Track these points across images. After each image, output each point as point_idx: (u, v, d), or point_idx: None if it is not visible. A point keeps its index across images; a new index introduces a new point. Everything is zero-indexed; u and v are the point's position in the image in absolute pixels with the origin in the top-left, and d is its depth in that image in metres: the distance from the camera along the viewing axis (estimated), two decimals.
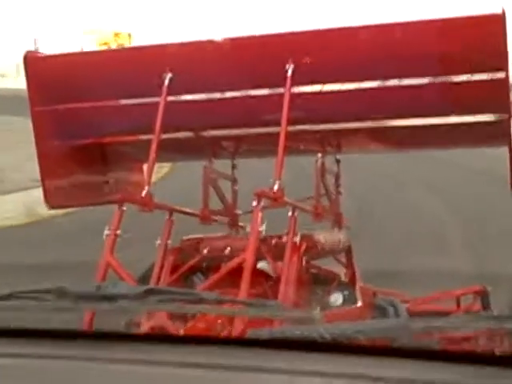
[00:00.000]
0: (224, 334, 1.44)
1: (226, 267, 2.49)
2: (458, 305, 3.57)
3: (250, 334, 1.27)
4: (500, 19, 2.44)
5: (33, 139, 2.95)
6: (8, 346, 1.17)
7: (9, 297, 1.28)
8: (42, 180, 2.97)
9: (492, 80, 2.53)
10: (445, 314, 3.40)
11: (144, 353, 1.16)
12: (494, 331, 1.20)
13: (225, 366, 1.13)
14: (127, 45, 37.44)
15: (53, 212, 7.21)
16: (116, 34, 42.14)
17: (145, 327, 1.61)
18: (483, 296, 3.51)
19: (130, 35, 41.34)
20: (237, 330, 1.44)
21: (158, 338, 1.28)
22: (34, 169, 3.01)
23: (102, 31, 40.97)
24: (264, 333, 1.23)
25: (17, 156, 12.41)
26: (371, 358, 1.14)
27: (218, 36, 2.85)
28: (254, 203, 2.51)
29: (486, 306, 3.52)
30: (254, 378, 1.11)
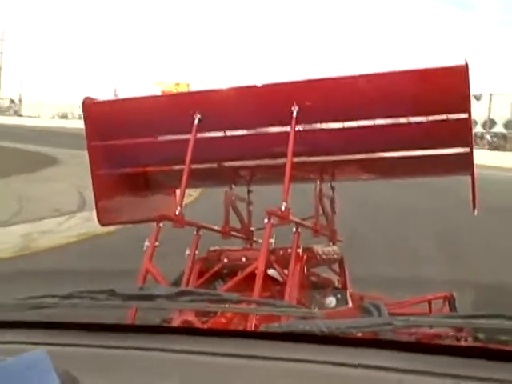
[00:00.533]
0: (241, 328, 1.44)
1: (242, 273, 2.49)
2: (430, 308, 3.54)
3: (263, 327, 1.27)
4: (464, 70, 2.46)
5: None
6: (67, 337, 1.18)
7: (69, 296, 1.29)
8: (96, 202, 3.00)
9: (458, 120, 2.55)
10: (419, 315, 3.38)
11: (175, 343, 1.17)
12: (461, 328, 1.19)
13: (241, 355, 1.13)
14: None
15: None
16: (177, 84, 42.95)
17: (176, 322, 1.61)
18: (450, 301, 3.48)
19: (188, 84, 42.20)
20: (251, 324, 1.44)
21: (187, 331, 1.28)
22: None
23: (166, 82, 42.87)
24: (274, 327, 1.24)
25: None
26: (361, 349, 1.15)
27: (242, 83, 2.91)
28: (266, 220, 2.52)
29: (452, 309, 3.49)
30: (265, 365, 1.12)
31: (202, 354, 1.14)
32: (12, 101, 53.98)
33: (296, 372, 1.10)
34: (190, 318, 1.77)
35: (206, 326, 1.74)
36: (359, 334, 1.20)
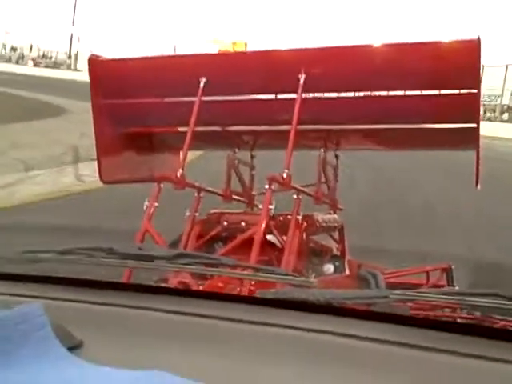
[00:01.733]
0: (236, 292, 1.45)
1: (240, 237, 2.50)
2: (428, 279, 3.56)
3: (258, 293, 1.27)
4: (476, 45, 2.42)
5: None
6: (64, 293, 1.19)
7: (66, 252, 1.29)
8: (98, 159, 2.99)
9: (466, 94, 2.52)
10: (415, 285, 3.41)
11: (170, 304, 1.17)
12: (457, 304, 1.19)
13: (236, 319, 1.14)
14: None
15: None
16: (234, 43, 41.96)
17: (172, 283, 1.62)
18: (448, 272, 3.50)
19: (246, 44, 41.18)
20: (247, 290, 1.45)
21: (183, 292, 1.29)
22: None
23: (223, 41, 41.39)
24: (270, 293, 1.24)
25: None
26: (355, 320, 1.15)
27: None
28: (266, 186, 2.52)
29: (450, 281, 3.52)
30: (259, 330, 1.12)
31: (197, 316, 1.15)
32: (68, 55, 53.69)
33: (289, 339, 1.11)
34: (187, 279, 1.79)
35: (201, 289, 1.75)
36: (355, 305, 1.20)
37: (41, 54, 53.88)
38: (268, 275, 1.29)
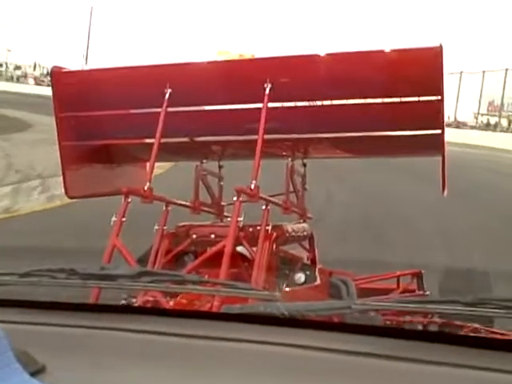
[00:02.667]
0: (203, 308, 1.45)
1: (209, 251, 2.49)
2: (398, 284, 3.60)
3: (225, 309, 1.27)
4: (438, 52, 2.47)
5: None
6: (26, 316, 1.17)
7: (27, 274, 1.28)
8: (63, 174, 2.95)
9: (430, 101, 2.56)
10: (386, 291, 3.44)
11: (134, 323, 1.17)
12: (424, 312, 1.21)
13: (203, 336, 1.14)
14: None
15: None
16: (241, 55, 41.81)
17: (139, 302, 1.61)
18: (418, 277, 3.55)
19: (253, 56, 41.08)
20: (214, 306, 1.45)
21: (149, 311, 1.29)
22: None
23: (230, 52, 41.26)
24: (235, 309, 1.24)
25: None
26: (320, 332, 1.16)
27: (218, 58, 2.87)
28: (235, 198, 2.52)
29: (420, 286, 3.56)
30: (226, 346, 1.13)
31: (164, 335, 1.15)
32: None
33: (256, 353, 1.11)
34: (155, 297, 1.77)
35: (168, 307, 1.74)
36: (318, 317, 1.21)
37: (44, 72, 53.26)
38: (232, 290, 1.30)
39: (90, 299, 1.35)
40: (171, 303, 1.80)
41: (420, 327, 1.20)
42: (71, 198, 3.02)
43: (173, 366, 1.06)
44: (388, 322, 1.29)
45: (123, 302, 1.55)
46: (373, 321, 1.22)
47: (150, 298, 1.54)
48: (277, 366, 1.08)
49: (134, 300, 1.76)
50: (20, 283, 1.27)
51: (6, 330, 0.94)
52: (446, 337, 1.12)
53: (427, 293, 3.61)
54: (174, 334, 1.14)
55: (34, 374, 0.94)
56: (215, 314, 1.27)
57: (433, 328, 1.18)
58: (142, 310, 1.28)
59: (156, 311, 1.28)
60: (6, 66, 55.41)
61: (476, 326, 1.16)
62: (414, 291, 3.66)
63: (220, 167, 3.13)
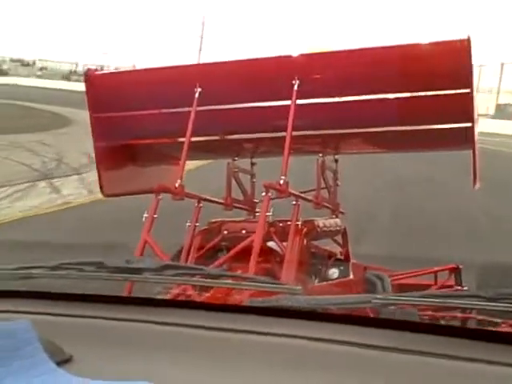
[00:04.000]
0: (228, 302, 1.47)
1: (238, 246, 2.52)
2: (436, 280, 3.56)
3: (247, 302, 1.29)
4: (466, 45, 2.43)
5: None
6: (55, 308, 1.22)
7: (57, 267, 1.32)
8: (98, 173, 3.03)
9: (460, 94, 2.53)
10: (423, 287, 3.41)
11: (159, 315, 1.19)
12: (444, 307, 1.20)
13: (225, 329, 1.16)
14: None
15: None
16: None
17: (166, 295, 1.63)
18: (456, 273, 3.50)
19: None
20: (238, 299, 1.46)
21: (171, 303, 1.31)
22: None
23: (321, 48, 42.07)
24: (258, 302, 1.26)
25: None
26: (342, 325, 1.17)
27: (243, 56, 2.89)
28: (263, 194, 2.54)
29: (458, 281, 3.51)
30: (248, 339, 1.14)
31: (189, 327, 1.17)
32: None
33: (277, 346, 1.13)
34: (184, 291, 1.80)
35: (194, 300, 1.77)
36: (340, 310, 1.22)
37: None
38: (254, 284, 1.32)
39: (120, 292, 1.38)
40: (200, 297, 1.84)
41: (443, 322, 1.19)
42: (107, 196, 3.09)
43: (197, 358, 1.09)
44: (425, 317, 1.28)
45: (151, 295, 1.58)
46: (394, 314, 1.22)
47: (179, 292, 1.57)
48: (298, 358, 1.09)
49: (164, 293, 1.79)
50: (49, 276, 1.31)
51: (34, 322, 0.98)
52: (467, 332, 1.11)
53: (465, 288, 3.56)
54: (199, 327, 1.16)
55: (60, 364, 0.97)
56: (238, 307, 1.29)
57: (456, 323, 1.18)
58: (168, 303, 1.30)
59: (182, 304, 1.31)
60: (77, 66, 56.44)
61: (500, 320, 1.15)
62: (451, 286, 3.61)
63: (252, 164, 3.16)
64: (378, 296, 1.21)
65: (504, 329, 1.16)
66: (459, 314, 1.21)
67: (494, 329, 1.15)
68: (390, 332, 1.14)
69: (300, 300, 1.22)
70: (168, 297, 1.42)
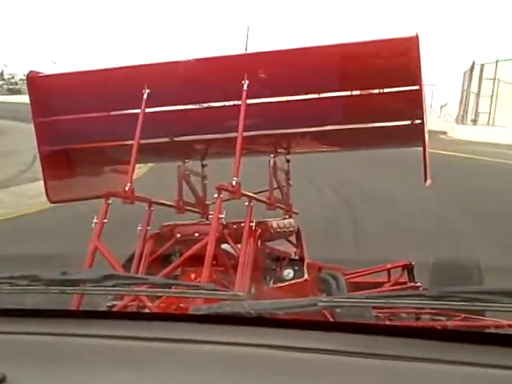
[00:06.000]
0: (170, 310, 1.43)
1: (191, 249, 2.48)
2: (389, 277, 3.59)
3: (192, 310, 1.25)
4: (414, 41, 2.44)
5: None
6: None
7: None
8: (44, 179, 2.93)
9: (410, 91, 2.54)
10: (377, 284, 3.43)
11: (102, 328, 1.15)
12: (388, 307, 1.20)
13: (170, 339, 1.12)
14: None
15: None
16: None
17: (105, 306, 1.58)
18: (409, 269, 3.54)
19: None
20: (181, 307, 1.43)
21: (116, 315, 1.27)
22: None
23: None
24: (202, 309, 1.23)
25: None
26: (287, 330, 1.14)
27: (188, 56, 2.84)
28: (215, 195, 2.51)
29: (411, 278, 3.55)
30: (193, 348, 1.11)
31: (130, 339, 1.13)
32: None
33: (223, 354, 1.10)
34: (120, 301, 1.75)
35: (134, 310, 1.72)
36: (286, 315, 1.20)
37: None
38: (197, 292, 1.28)
39: (60, 306, 1.32)
40: (139, 305, 1.79)
41: (388, 321, 1.18)
42: (53, 202, 3.00)
43: (139, 371, 1.05)
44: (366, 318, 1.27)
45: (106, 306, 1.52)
46: (340, 317, 1.21)
47: (117, 303, 1.52)
48: (245, 366, 1.06)
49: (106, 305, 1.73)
50: None
51: None
52: (408, 331, 1.10)
53: (418, 284, 3.60)
54: (141, 338, 1.12)
55: None
56: (181, 315, 1.25)
57: (397, 322, 1.17)
58: (108, 315, 1.26)
59: (123, 315, 1.27)
60: None
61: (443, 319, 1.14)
62: (405, 283, 3.65)
63: (203, 166, 3.11)
64: (324, 299, 1.19)
65: (451, 326, 1.15)
66: (403, 314, 1.20)
67: (440, 327, 1.15)
68: (337, 335, 1.12)
69: (245, 306, 1.19)
70: (109, 308, 1.37)
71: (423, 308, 1.13)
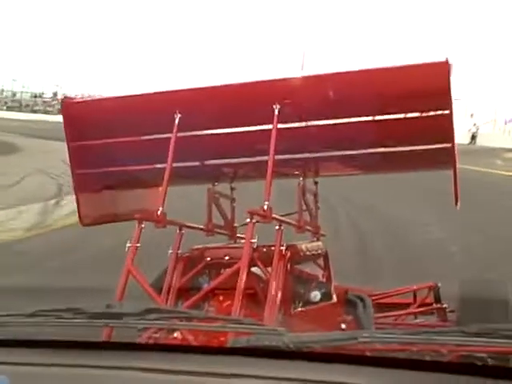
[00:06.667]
0: (210, 343, 1.44)
1: (224, 274, 2.50)
2: (415, 298, 3.58)
3: (231, 342, 1.27)
4: (445, 67, 2.46)
5: None
6: (33, 356, 1.18)
7: (34, 315, 1.29)
8: (77, 202, 2.99)
9: (440, 116, 2.55)
10: (404, 305, 3.42)
11: (142, 360, 1.17)
12: (430, 343, 1.19)
13: (208, 373, 1.14)
14: None
15: None
16: None
17: (145, 339, 1.60)
18: (435, 290, 3.52)
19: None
20: (220, 340, 1.44)
21: (155, 347, 1.29)
22: None
23: None
24: (242, 342, 1.24)
25: None
26: (326, 364, 1.15)
27: (221, 81, 2.88)
28: (248, 220, 2.53)
29: (437, 299, 3.54)
30: (231, 382, 1.12)
31: (168, 372, 1.15)
32: None
33: None
34: (159, 334, 1.77)
35: (174, 342, 1.75)
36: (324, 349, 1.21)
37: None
38: (237, 326, 1.30)
39: (99, 338, 1.35)
40: (178, 338, 1.81)
41: (428, 358, 1.18)
42: (85, 225, 3.04)
43: None
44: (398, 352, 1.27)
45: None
46: (381, 353, 1.21)
47: (154, 335, 1.54)
48: None
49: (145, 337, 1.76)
50: (27, 324, 1.28)
51: (8, 372, 0.95)
52: (455, 367, 1.10)
53: (444, 305, 3.58)
54: (178, 372, 1.14)
55: None
56: (221, 348, 1.27)
57: (441, 358, 1.17)
58: (147, 347, 1.28)
59: (161, 347, 1.29)
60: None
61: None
62: (431, 304, 3.63)
63: (232, 189, 3.14)
64: (365, 334, 1.19)
65: (491, 363, 1.15)
66: (445, 351, 1.20)
67: (480, 363, 1.15)
68: (377, 370, 1.13)
69: (284, 339, 1.20)
70: (149, 341, 1.40)
71: (464, 345, 1.14)
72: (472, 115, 36.61)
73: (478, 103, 37.49)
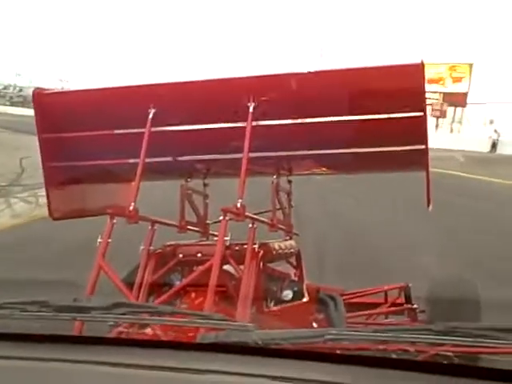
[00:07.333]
0: (178, 338, 1.43)
1: (196, 271, 2.49)
2: (386, 298, 3.61)
3: (199, 338, 1.26)
4: (419, 69, 2.48)
5: None
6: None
7: None
8: (47, 195, 2.94)
9: (414, 117, 2.57)
10: (375, 305, 3.45)
11: (108, 355, 1.16)
12: (398, 342, 1.20)
13: (176, 368, 1.13)
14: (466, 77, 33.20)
15: None
16: (452, 67, 33.91)
17: (112, 333, 1.59)
18: (406, 291, 3.57)
19: (470, 66, 33.64)
20: (189, 336, 1.44)
21: (122, 342, 1.28)
22: None
23: (436, 64, 32.20)
24: (210, 337, 1.23)
25: None
26: (292, 361, 1.15)
27: (195, 77, 2.87)
28: (221, 217, 2.52)
29: (408, 299, 3.58)
30: (199, 378, 1.12)
31: (136, 367, 1.14)
32: None
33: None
34: (127, 329, 1.76)
35: (141, 338, 1.73)
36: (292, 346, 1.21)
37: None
38: (206, 322, 1.29)
39: (68, 332, 1.33)
40: (148, 333, 1.80)
41: (394, 355, 1.19)
42: (55, 219, 3.00)
43: None
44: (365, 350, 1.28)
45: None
46: (347, 349, 1.22)
47: (124, 330, 1.53)
48: None
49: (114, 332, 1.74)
50: None
51: None
52: (419, 365, 1.11)
53: (415, 306, 3.63)
54: (146, 366, 1.13)
55: None
56: (189, 344, 1.26)
57: (408, 356, 1.18)
58: (114, 342, 1.27)
59: (132, 342, 1.27)
60: None
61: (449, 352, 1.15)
62: (402, 304, 3.67)
63: (205, 185, 3.13)
64: (331, 331, 1.20)
65: (458, 362, 1.17)
66: (410, 348, 1.21)
67: (445, 362, 1.16)
68: (345, 367, 1.13)
69: (252, 335, 1.20)
70: (120, 335, 1.38)
71: (431, 343, 1.15)
72: (492, 121, 35.52)
73: (499, 109, 34.92)
